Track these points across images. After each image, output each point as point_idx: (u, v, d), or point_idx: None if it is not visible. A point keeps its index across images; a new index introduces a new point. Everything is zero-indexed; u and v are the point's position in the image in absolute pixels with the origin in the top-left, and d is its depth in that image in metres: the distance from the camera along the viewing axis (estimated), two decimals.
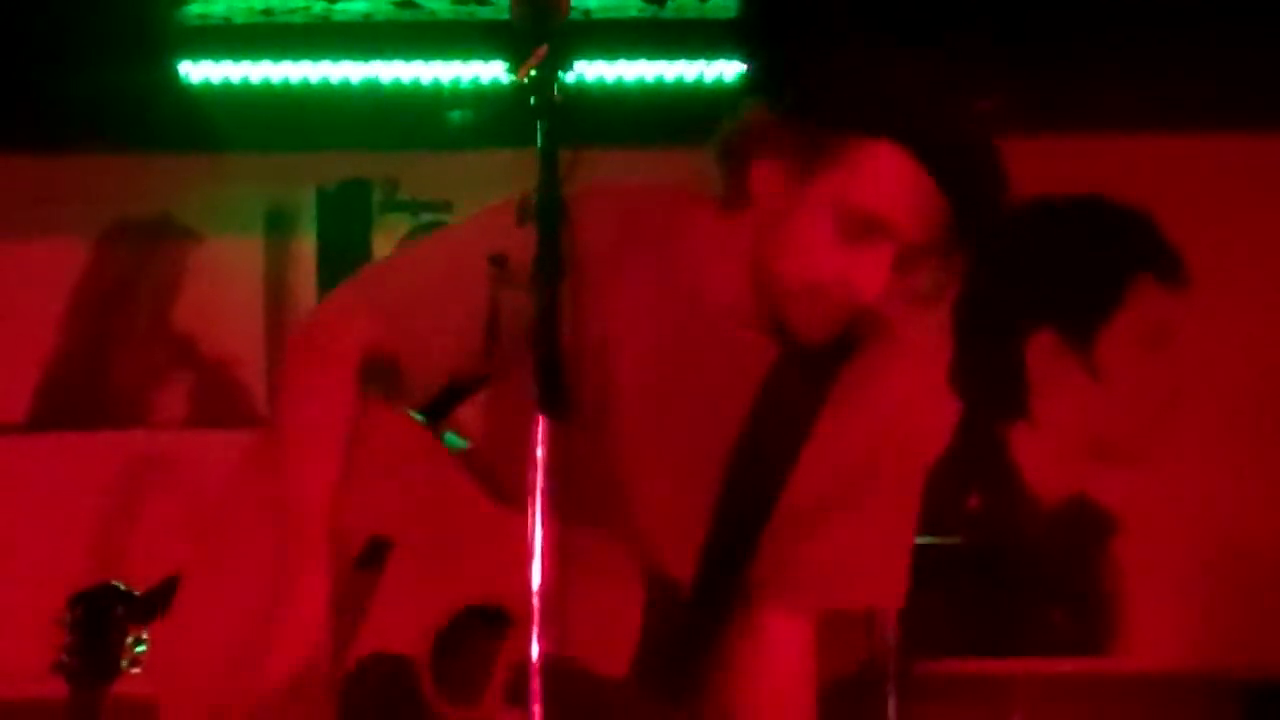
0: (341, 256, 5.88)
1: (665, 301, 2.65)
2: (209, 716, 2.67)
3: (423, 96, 5.68)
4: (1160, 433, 5.91)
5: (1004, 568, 5.82)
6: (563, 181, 2.37)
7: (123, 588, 3.40)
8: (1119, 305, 5.97)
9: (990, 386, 5.87)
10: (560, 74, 2.38)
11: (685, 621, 2.62)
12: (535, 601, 2.24)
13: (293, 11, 5.54)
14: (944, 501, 5.71)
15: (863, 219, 2.49)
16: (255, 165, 5.97)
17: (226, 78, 5.63)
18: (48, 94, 5.70)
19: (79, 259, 6.03)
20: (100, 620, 3.37)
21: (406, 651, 2.61)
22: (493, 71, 5.59)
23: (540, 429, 2.24)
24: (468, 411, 2.81)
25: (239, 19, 5.54)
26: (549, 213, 2.33)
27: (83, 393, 6.02)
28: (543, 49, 2.37)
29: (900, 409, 2.68)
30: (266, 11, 5.54)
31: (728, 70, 5.53)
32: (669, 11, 5.52)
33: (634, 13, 5.52)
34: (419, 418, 2.75)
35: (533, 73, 2.37)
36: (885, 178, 2.48)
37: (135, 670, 3.37)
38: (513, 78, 2.39)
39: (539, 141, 2.36)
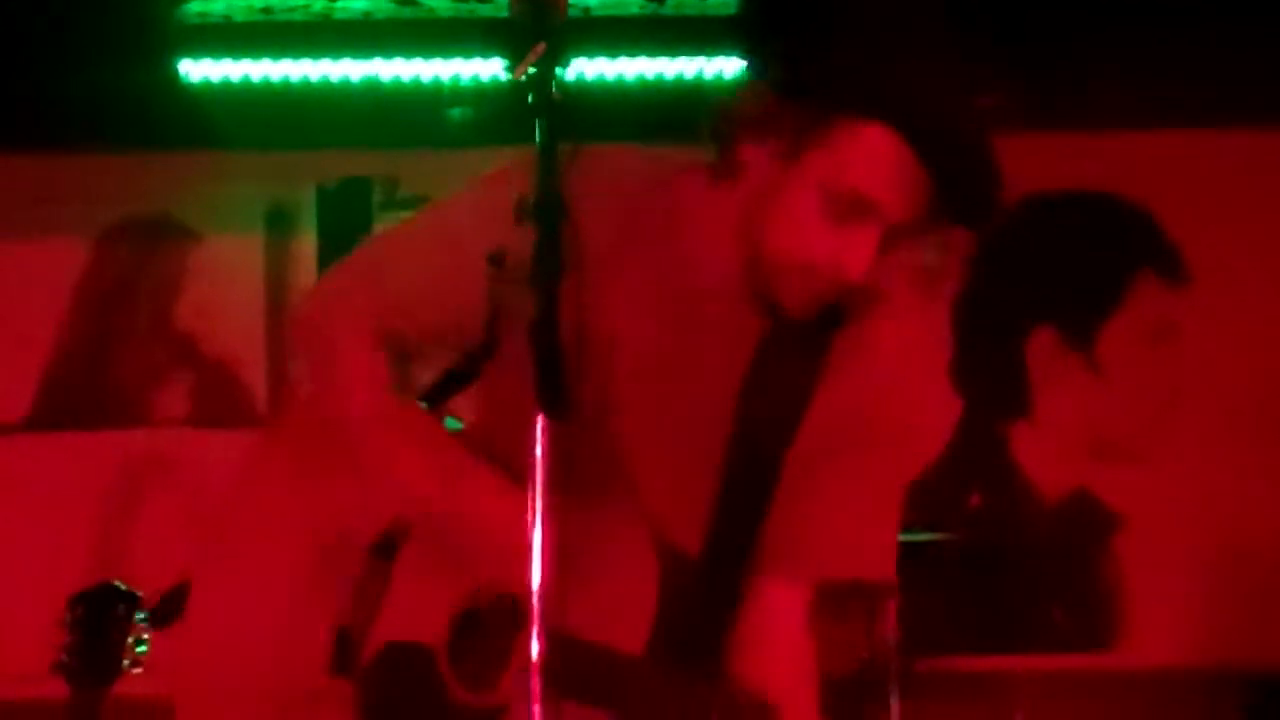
0: (342, 254, 5.85)
1: (660, 274, 2.67)
2: (228, 718, 2.68)
3: (422, 94, 5.68)
4: (1161, 430, 5.91)
5: (1005, 565, 5.82)
6: (561, 179, 2.37)
7: (123, 587, 3.40)
8: (1120, 303, 5.97)
9: (991, 384, 5.87)
10: (559, 71, 2.38)
11: (697, 594, 2.63)
12: (536, 601, 2.24)
13: (293, 10, 5.54)
14: (945, 500, 5.71)
15: (849, 199, 2.51)
16: (255, 164, 5.97)
17: (226, 76, 5.63)
18: (48, 93, 5.70)
19: (79, 258, 6.03)
20: (101, 620, 3.37)
21: (423, 640, 2.62)
22: (492, 69, 5.59)
23: (540, 428, 2.24)
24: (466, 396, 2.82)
25: (239, 17, 5.54)
26: (548, 211, 2.33)
27: (83, 392, 6.02)
28: (541, 46, 2.37)
29: (891, 378, 2.69)
30: (266, 10, 5.54)
31: (727, 67, 5.52)
32: (668, 8, 5.52)
33: (633, 10, 5.52)
34: (422, 405, 2.76)
35: (531, 70, 2.37)
36: (872, 159, 2.50)
37: (136, 670, 3.37)
38: (512, 75, 2.39)
39: (538, 139, 2.36)
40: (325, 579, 2.67)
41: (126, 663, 3.36)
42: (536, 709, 2.17)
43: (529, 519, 2.23)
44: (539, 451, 2.23)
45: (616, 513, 2.59)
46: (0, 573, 5.77)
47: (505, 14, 2.43)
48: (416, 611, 2.63)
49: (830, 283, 2.56)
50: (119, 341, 6.06)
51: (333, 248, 5.94)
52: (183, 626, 2.77)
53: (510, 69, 2.39)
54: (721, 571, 2.69)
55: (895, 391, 2.70)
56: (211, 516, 2.87)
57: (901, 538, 2.83)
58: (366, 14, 5.56)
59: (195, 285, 6.05)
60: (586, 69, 5.55)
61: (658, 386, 2.67)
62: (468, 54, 5.59)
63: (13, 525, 5.81)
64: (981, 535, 5.81)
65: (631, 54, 5.57)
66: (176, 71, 5.58)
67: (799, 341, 2.67)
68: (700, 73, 5.57)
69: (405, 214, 5.89)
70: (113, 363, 6.05)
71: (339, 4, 5.54)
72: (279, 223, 6.05)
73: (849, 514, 2.69)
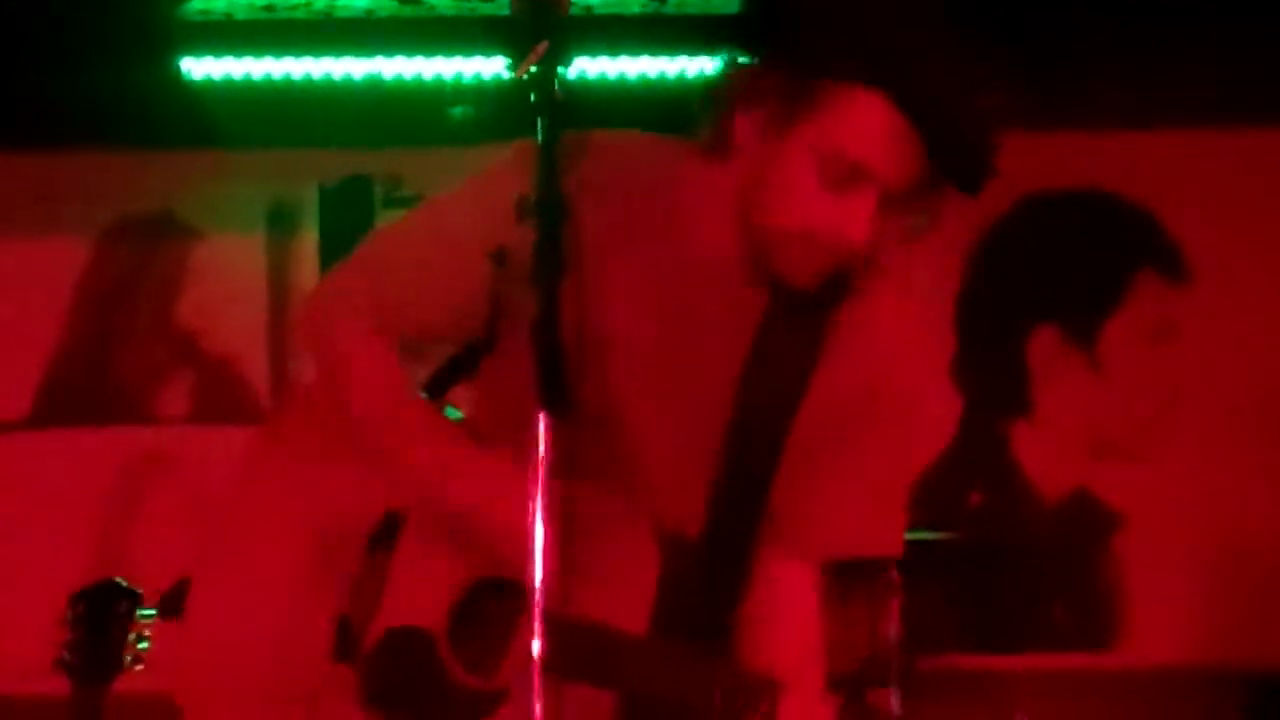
0: (344, 253, 5.84)
1: (660, 259, 2.67)
2: (232, 709, 2.69)
3: (424, 93, 5.68)
4: (1162, 429, 5.91)
5: (1006, 564, 5.82)
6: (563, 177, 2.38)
7: (125, 584, 3.40)
8: (1120, 301, 5.97)
9: (992, 383, 5.88)
10: (561, 70, 2.38)
11: (699, 577, 2.64)
12: (537, 597, 2.24)
13: (294, 7, 5.54)
14: (946, 498, 5.71)
15: (845, 165, 2.51)
16: (257, 162, 5.97)
17: (228, 74, 5.63)
18: (49, 91, 5.70)
19: (81, 256, 6.03)
20: (102, 617, 3.37)
21: (424, 625, 2.63)
22: (494, 68, 5.59)
23: (542, 426, 2.25)
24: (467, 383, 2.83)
25: (240, 15, 5.53)
26: (549, 209, 2.33)
27: (85, 390, 6.02)
28: (543, 45, 2.37)
29: (892, 351, 2.71)
30: (268, 8, 5.54)
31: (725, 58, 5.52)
32: (670, 7, 5.52)
33: (635, 8, 5.52)
34: (421, 393, 2.77)
35: (534, 69, 2.38)
36: (865, 124, 2.51)
37: (138, 667, 3.37)
38: (514, 74, 2.39)
39: (539, 137, 2.37)
40: (327, 571, 2.67)
41: (128, 659, 3.36)
42: (538, 705, 2.18)
43: (530, 514, 2.24)
44: (540, 448, 2.23)
45: (616, 499, 2.59)
46: (2, 570, 5.77)
47: (507, 12, 2.44)
48: (417, 597, 2.64)
49: (830, 250, 2.56)
50: (120, 339, 6.06)
51: (334, 246, 5.94)
52: (185, 622, 2.78)
53: (512, 67, 2.39)
54: (725, 553, 2.69)
55: (896, 367, 2.71)
56: (212, 512, 2.88)
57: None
58: (368, 12, 5.56)
59: (197, 283, 6.05)
60: (588, 67, 5.55)
61: (659, 372, 2.67)
62: (469, 52, 5.59)
63: (14, 523, 5.81)
64: (982, 534, 5.82)
65: (633, 52, 5.57)
66: (178, 69, 5.58)
67: (799, 321, 2.67)
68: (702, 71, 5.57)
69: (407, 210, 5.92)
70: (114, 361, 6.05)
71: (341, 2, 5.54)
72: (281, 221, 6.05)
73: (854, 491, 2.70)
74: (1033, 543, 5.92)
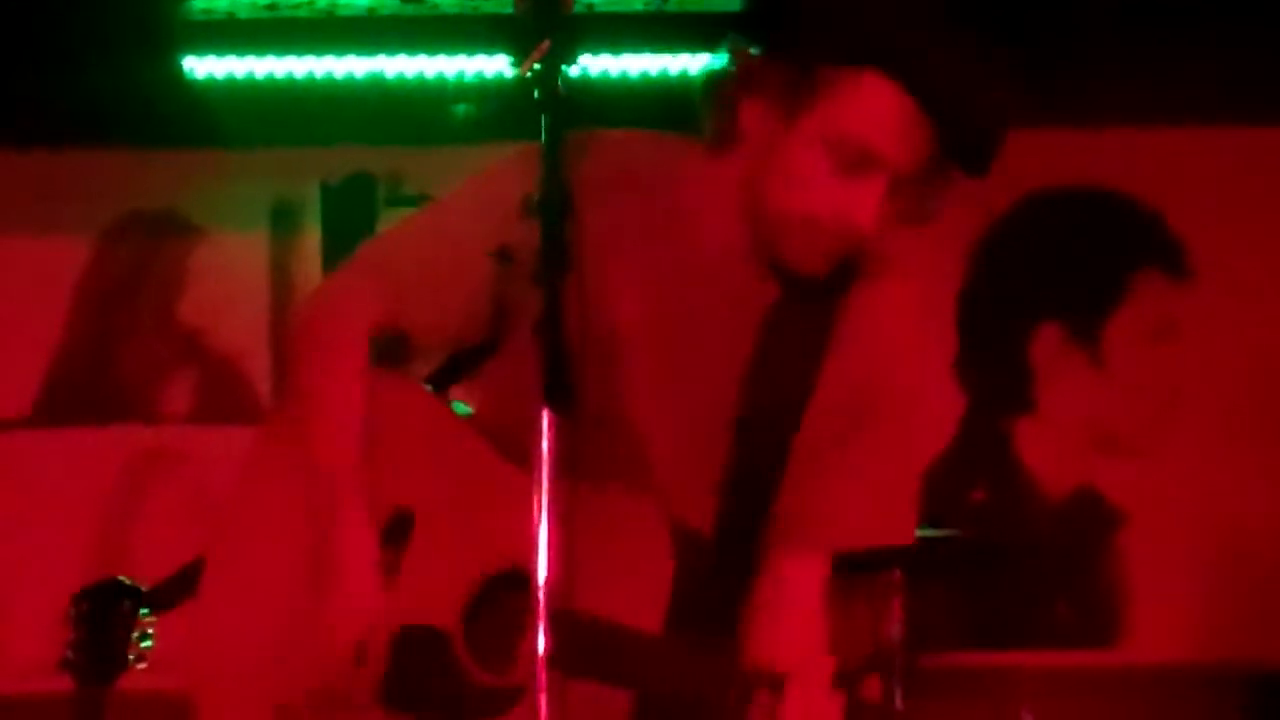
0: (346, 251, 5.79)
1: (665, 256, 2.67)
2: (248, 712, 2.69)
3: (427, 91, 5.67)
4: (1165, 426, 5.91)
5: (1008, 562, 5.81)
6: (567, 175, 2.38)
7: (128, 582, 3.41)
8: (1123, 299, 5.97)
9: (995, 380, 5.87)
10: (564, 68, 2.38)
11: (712, 574, 2.64)
12: (541, 596, 2.24)
13: (297, 6, 5.54)
14: (949, 496, 5.71)
15: (854, 150, 2.52)
16: (260, 160, 5.97)
17: (231, 73, 5.62)
18: (51, 90, 5.70)
19: (83, 255, 6.03)
20: (106, 616, 3.37)
21: (438, 622, 2.62)
22: (497, 66, 5.59)
23: (545, 423, 2.25)
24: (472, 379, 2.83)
25: (243, 14, 5.53)
26: (553, 207, 2.33)
27: (87, 388, 6.02)
28: (546, 43, 2.38)
29: (898, 344, 2.70)
30: (270, 6, 5.53)
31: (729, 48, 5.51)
32: (672, 5, 5.52)
33: (638, 6, 5.52)
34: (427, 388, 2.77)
35: (536, 67, 2.38)
36: (872, 108, 2.51)
37: (141, 666, 3.38)
38: (517, 72, 2.39)
39: (543, 135, 2.37)
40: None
41: (131, 658, 3.36)
42: (543, 700, 2.18)
43: (534, 513, 2.24)
44: (544, 446, 2.23)
45: (630, 497, 2.59)
46: (5, 569, 5.78)
47: (510, 10, 2.45)
48: (429, 595, 2.64)
49: (838, 235, 2.56)
50: (123, 338, 6.06)
51: (337, 244, 5.94)
52: (195, 621, 2.78)
53: (516, 65, 2.39)
54: (736, 548, 2.69)
55: (902, 359, 2.70)
56: (217, 510, 2.87)
57: None
58: (371, 10, 5.56)
59: (199, 282, 6.05)
60: (591, 65, 5.55)
61: (664, 369, 2.67)
62: (472, 50, 5.59)
63: (17, 521, 5.81)
64: (984, 532, 5.81)
65: (636, 50, 5.57)
66: (181, 68, 5.58)
67: (805, 315, 2.67)
68: (705, 69, 5.56)
69: (410, 211, 5.92)
70: (116, 359, 6.05)
71: (343, 1, 5.54)
72: (283, 219, 6.05)
73: (861, 484, 2.70)
74: (1035, 540, 5.92)
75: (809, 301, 2.65)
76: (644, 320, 2.67)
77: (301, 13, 5.55)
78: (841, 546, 2.73)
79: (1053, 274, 5.97)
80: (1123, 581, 5.89)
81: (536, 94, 2.38)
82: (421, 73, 5.64)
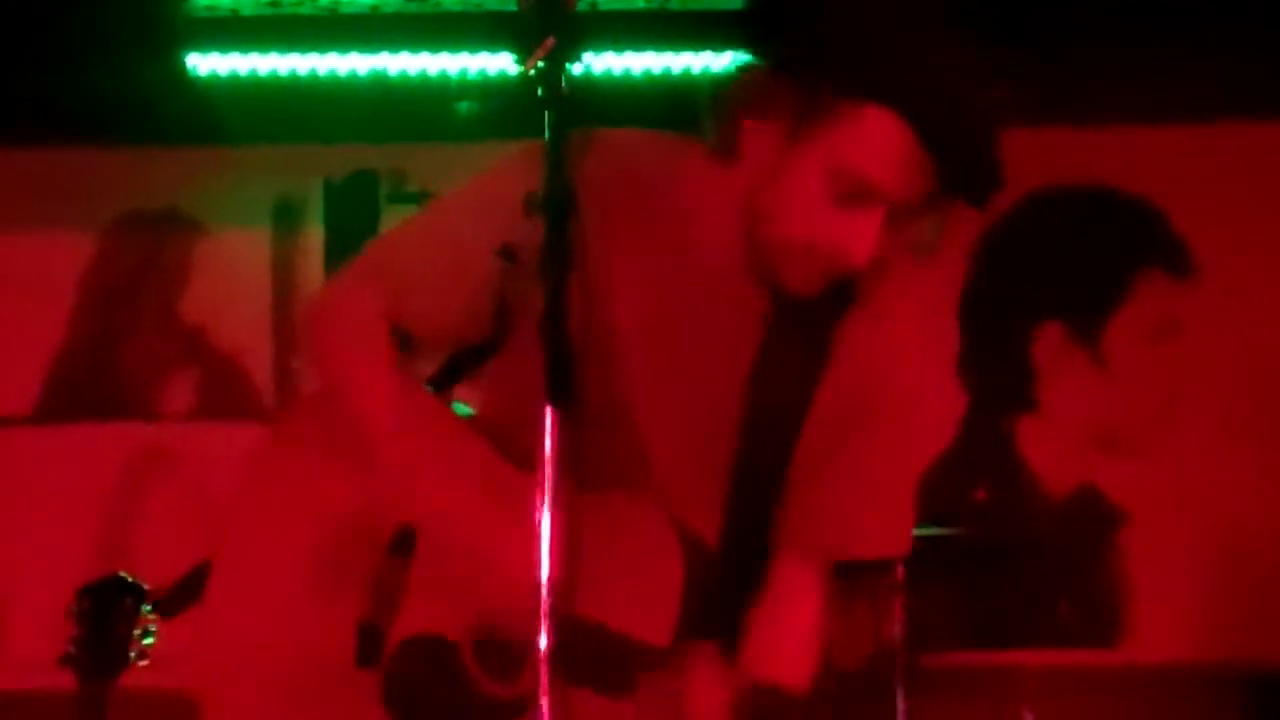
0: (349, 249, 5.83)
1: (667, 257, 2.67)
2: (252, 710, 2.68)
3: (430, 88, 5.68)
4: (1167, 425, 5.91)
5: (1011, 560, 5.81)
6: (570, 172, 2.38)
7: (130, 579, 3.41)
8: (1125, 297, 5.97)
9: (997, 379, 5.87)
10: (568, 65, 2.38)
11: (717, 582, 2.64)
12: (544, 594, 2.24)
13: (300, 3, 5.54)
14: (951, 494, 5.71)
15: (853, 182, 2.51)
16: (262, 158, 5.97)
17: (234, 70, 5.63)
18: (55, 88, 5.70)
19: (86, 252, 6.03)
20: (108, 612, 3.37)
21: (447, 633, 2.62)
22: (500, 63, 5.59)
23: (548, 420, 2.25)
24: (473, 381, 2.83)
25: (246, 11, 5.53)
26: (556, 204, 2.33)
27: (90, 385, 6.02)
28: (550, 40, 2.38)
29: (898, 354, 2.70)
30: (274, 4, 5.54)
31: (736, 62, 5.52)
32: (676, 3, 5.52)
33: (641, 4, 5.52)
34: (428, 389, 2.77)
35: (540, 64, 2.38)
36: (875, 142, 2.50)
37: (143, 663, 3.38)
38: (520, 69, 2.39)
39: (546, 133, 2.37)
40: (339, 573, 2.67)
41: (133, 655, 3.37)
42: (545, 700, 2.18)
43: (537, 511, 2.24)
44: (547, 443, 2.23)
45: (639, 505, 2.59)
46: (8, 566, 5.78)
47: (514, 8, 2.44)
48: (438, 603, 2.63)
49: (832, 264, 2.56)
50: (125, 335, 6.06)
51: (340, 242, 5.95)
52: (201, 622, 2.78)
53: (519, 63, 2.39)
54: (741, 557, 2.69)
55: (902, 367, 2.70)
56: (221, 514, 2.87)
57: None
58: (374, 8, 5.56)
59: (201, 279, 6.06)
60: (594, 63, 5.55)
61: (667, 373, 2.67)
62: (476, 48, 5.59)
63: (20, 518, 5.82)
64: (987, 531, 5.81)
65: (639, 48, 5.57)
66: (184, 65, 5.58)
67: (806, 321, 2.67)
68: (707, 67, 5.57)
69: (412, 208, 5.91)
70: (119, 356, 6.05)
71: None
72: (286, 217, 6.05)
73: (860, 492, 2.69)
74: (1037, 539, 5.92)
75: (810, 310, 2.65)
76: (645, 321, 2.66)
77: (304, 10, 5.55)
78: (838, 554, 2.73)
79: (1054, 273, 5.97)
80: (1124, 581, 5.89)
81: (540, 91, 2.38)
82: (424, 70, 5.64)
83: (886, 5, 2.56)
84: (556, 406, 2.24)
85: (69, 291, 6.02)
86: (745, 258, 2.62)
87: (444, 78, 5.65)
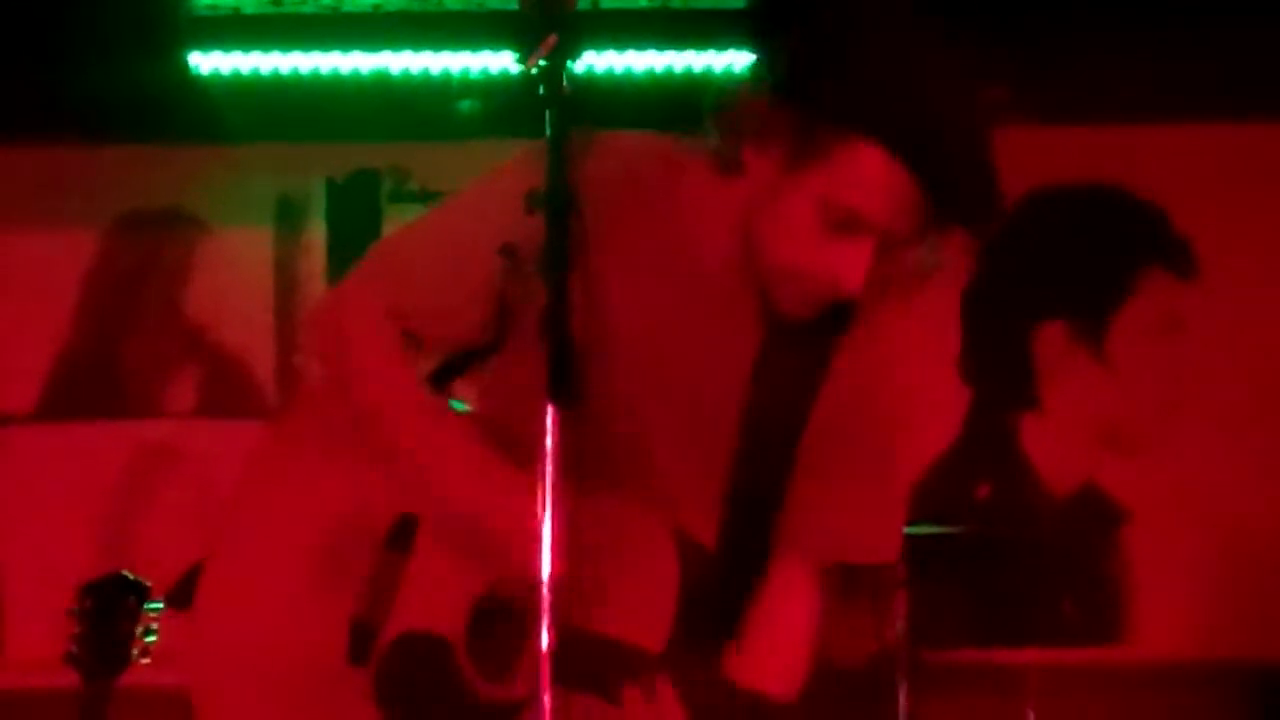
0: (351, 247, 5.88)
1: (668, 260, 2.67)
2: (245, 708, 2.68)
3: (432, 87, 5.68)
4: (1170, 422, 5.91)
5: (1014, 558, 5.81)
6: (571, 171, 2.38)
7: (133, 578, 3.41)
8: (1128, 295, 5.97)
9: (1000, 377, 5.87)
10: (569, 64, 2.38)
11: (714, 586, 2.64)
12: (545, 591, 2.24)
13: (302, 2, 5.54)
14: (954, 492, 5.71)
15: (848, 214, 2.52)
16: (265, 156, 5.98)
17: (236, 69, 5.63)
18: (57, 86, 5.70)
19: (88, 250, 6.04)
20: (111, 610, 3.38)
21: (441, 630, 2.62)
22: (502, 62, 5.59)
23: (550, 418, 2.25)
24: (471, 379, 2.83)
25: (248, 9, 5.53)
26: (558, 202, 2.33)
27: (93, 383, 6.02)
28: (552, 39, 2.38)
29: (896, 364, 2.71)
30: (276, 2, 5.54)
31: (737, 60, 5.53)
32: (678, 1, 5.52)
33: (643, 3, 5.53)
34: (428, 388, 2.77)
35: (542, 63, 2.38)
36: (870, 178, 2.51)
37: (145, 661, 3.38)
38: (522, 68, 2.39)
39: (548, 131, 2.37)
40: (337, 571, 2.66)
41: (136, 652, 3.37)
42: (546, 698, 2.18)
43: (539, 509, 2.24)
44: (549, 441, 2.23)
45: (636, 507, 2.59)
46: (11, 563, 5.78)
47: (515, 7, 2.44)
48: (433, 602, 2.63)
49: (824, 290, 2.58)
50: (128, 333, 6.06)
51: (342, 240, 5.95)
52: (195, 618, 2.78)
53: (521, 61, 2.40)
54: (738, 562, 2.69)
55: (900, 378, 2.71)
56: (221, 510, 2.87)
57: (910, 530, 2.84)
58: (376, 6, 5.56)
59: (204, 277, 6.06)
60: (596, 62, 5.55)
61: (667, 373, 2.67)
62: (477, 47, 5.59)
63: (22, 516, 5.82)
64: (990, 528, 5.81)
65: (641, 47, 5.57)
66: (186, 64, 5.59)
67: (806, 330, 2.68)
68: (709, 66, 5.57)
69: (414, 207, 5.93)
70: (121, 354, 6.06)
71: None
72: (288, 215, 6.05)
73: (855, 500, 2.70)
74: (1040, 537, 5.92)
75: (800, 336, 2.66)
76: (644, 321, 2.66)
77: (307, 8, 5.56)
78: (830, 561, 2.73)
79: (1057, 271, 5.97)
80: (1127, 578, 5.89)
81: (541, 90, 2.38)
82: (426, 69, 5.64)
83: (880, 39, 2.56)
84: (558, 404, 2.24)
85: (71, 290, 6.02)
86: (744, 269, 2.63)
87: (446, 76, 5.65)
